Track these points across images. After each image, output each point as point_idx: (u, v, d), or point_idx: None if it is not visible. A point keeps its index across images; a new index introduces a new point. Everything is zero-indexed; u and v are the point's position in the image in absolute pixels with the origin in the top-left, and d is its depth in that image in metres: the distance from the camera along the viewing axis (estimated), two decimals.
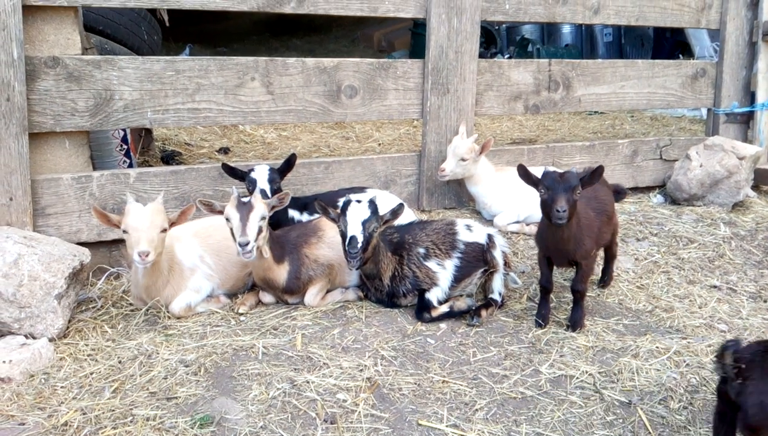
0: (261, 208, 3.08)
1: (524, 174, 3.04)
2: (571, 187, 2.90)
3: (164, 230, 3.06)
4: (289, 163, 3.77)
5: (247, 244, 2.99)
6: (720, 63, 5.47)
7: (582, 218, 3.08)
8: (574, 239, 3.06)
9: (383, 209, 3.22)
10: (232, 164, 3.79)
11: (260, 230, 3.06)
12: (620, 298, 3.60)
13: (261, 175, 3.60)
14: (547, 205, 2.93)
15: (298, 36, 14.08)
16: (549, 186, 2.92)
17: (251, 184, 3.58)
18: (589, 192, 3.11)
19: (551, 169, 3.07)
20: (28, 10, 3.38)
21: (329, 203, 3.30)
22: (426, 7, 4.32)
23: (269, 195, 3.48)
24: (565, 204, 2.86)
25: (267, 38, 13.85)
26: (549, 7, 4.74)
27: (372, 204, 3.13)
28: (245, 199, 3.09)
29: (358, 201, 3.12)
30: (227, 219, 3.08)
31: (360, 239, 3.04)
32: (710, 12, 5.37)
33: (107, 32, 5.08)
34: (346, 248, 3.06)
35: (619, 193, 3.56)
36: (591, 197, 3.22)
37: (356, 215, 3.07)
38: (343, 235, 3.09)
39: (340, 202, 3.57)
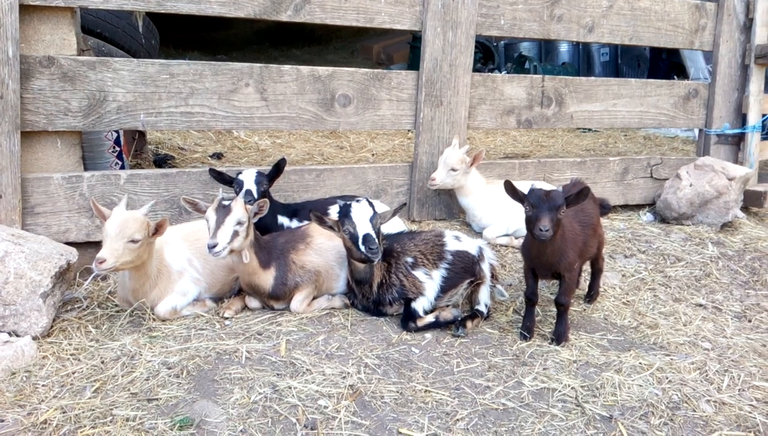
0: (239, 213, 3.09)
1: (510, 189, 3.07)
2: (556, 206, 2.94)
3: (134, 241, 3.02)
4: (279, 168, 3.78)
5: (215, 246, 3.01)
6: (712, 84, 5.52)
7: (567, 230, 3.11)
8: (558, 251, 3.08)
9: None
10: (221, 169, 3.81)
11: (236, 234, 3.07)
12: (606, 313, 3.61)
13: (248, 177, 3.62)
14: (531, 222, 2.97)
15: (297, 46, 14.17)
16: (534, 203, 2.95)
17: (238, 186, 3.60)
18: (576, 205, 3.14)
19: (538, 186, 3.10)
20: (24, 10, 3.40)
21: (319, 211, 3.32)
22: (422, 20, 4.36)
23: (255, 196, 3.50)
24: (548, 223, 2.90)
25: (266, 48, 13.94)
26: (544, 24, 4.78)
27: (370, 202, 3.20)
28: (226, 203, 3.11)
29: (358, 200, 3.16)
30: (207, 220, 3.11)
31: (374, 235, 3.09)
32: (704, 34, 5.43)
33: (105, 35, 5.10)
34: (362, 247, 3.07)
35: (604, 207, 3.59)
36: (577, 210, 3.24)
37: (362, 214, 3.13)
38: (354, 236, 3.11)
39: (330, 209, 3.60)
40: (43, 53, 3.50)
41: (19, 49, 3.37)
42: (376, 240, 3.09)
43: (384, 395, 2.72)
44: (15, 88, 3.37)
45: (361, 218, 3.12)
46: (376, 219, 3.15)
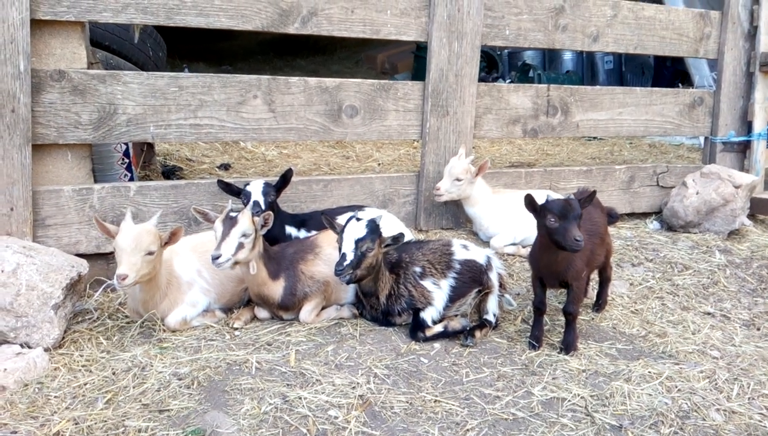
0: (245, 225, 3.11)
1: (530, 203, 3.07)
2: (578, 214, 2.95)
3: (150, 253, 3.05)
4: (286, 179, 3.80)
5: (218, 257, 3.04)
6: (717, 92, 5.53)
7: None
8: (566, 260, 3.09)
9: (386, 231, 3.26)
10: (229, 180, 3.83)
11: (241, 246, 3.09)
12: (614, 322, 3.61)
13: (256, 188, 3.65)
14: (559, 234, 2.95)
15: (302, 56, 14.21)
16: (561, 215, 2.95)
17: (246, 198, 3.63)
18: (583, 214, 3.15)
19: (553, 196, 3.11)
20: (36, 24, 3.44)
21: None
22: (427, 31, 4.39)
23: (263, 207, 3.53)
24: (580, 232, 2.90)
25: (271, 58, 13.99)
26: (548, 34, 4.81)
27: (372, 223, 3.16)
28: (233, 214, 3.13)
29: (359, 219, 3.16)
30: (214, 231, 3.14)
31: (350, 256, 3.08)
32: (708, 42, 5.45)
33: (113, 48, 5.15)
34: (334, 265, 3.11)
35: (612, 216, 3.60)
36: (585, 219, 3.25)
37: (351, 233, 3.11)
38: (339, 251, 3.13)
39: (338, 220, 3.62)
40: (53, 67, 3.54)
41: (30, 63, 3.41)
42: (345, 263, 3.07)
43: (394, 405, 2.73)
44: (26, 102, 3.41)
45: (348, 236, 3.12)
46: (364, 241, 3.11)
